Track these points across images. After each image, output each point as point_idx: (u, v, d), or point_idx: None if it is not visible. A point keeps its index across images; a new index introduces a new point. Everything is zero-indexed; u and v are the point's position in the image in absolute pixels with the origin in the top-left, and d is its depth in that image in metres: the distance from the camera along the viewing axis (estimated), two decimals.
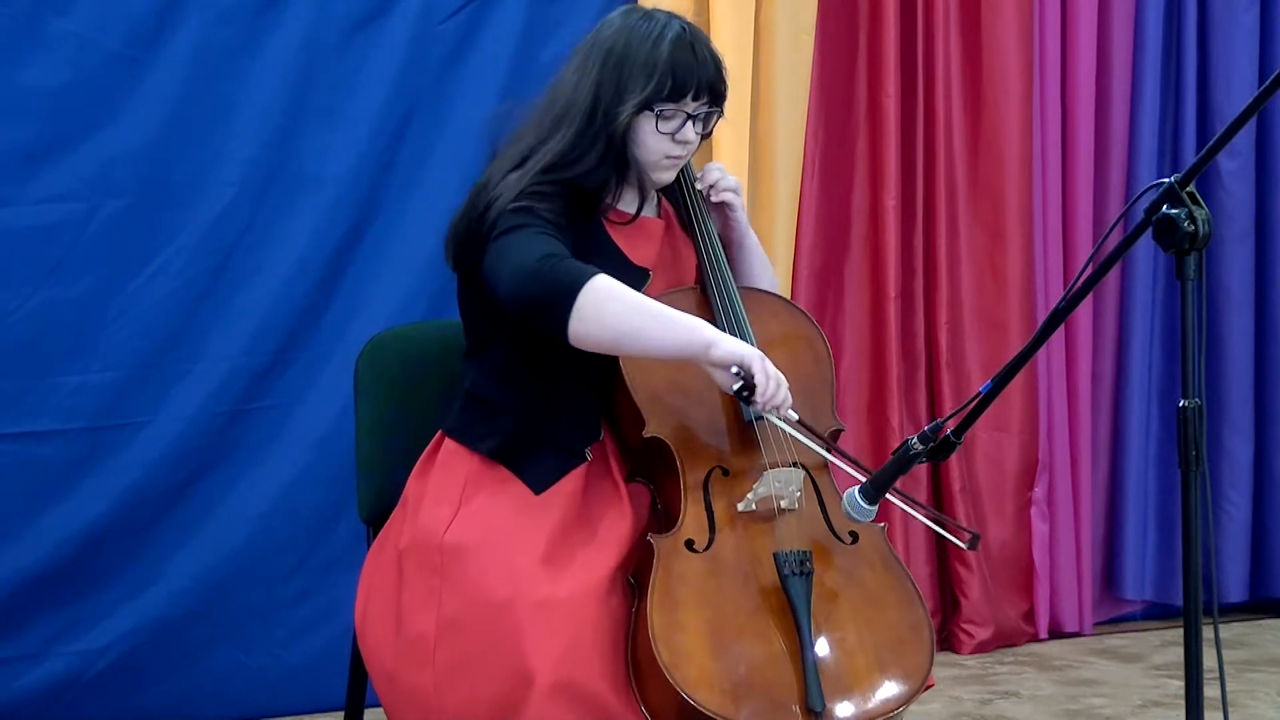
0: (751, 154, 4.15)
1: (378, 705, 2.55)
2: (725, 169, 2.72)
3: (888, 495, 2.34)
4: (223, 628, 3.77)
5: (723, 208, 2.70)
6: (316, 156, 3.80)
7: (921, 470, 4.37)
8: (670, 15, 2.58)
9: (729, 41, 4.06)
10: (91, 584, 3.68)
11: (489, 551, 2.41)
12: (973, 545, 2.53)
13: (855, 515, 2.35)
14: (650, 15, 2.57)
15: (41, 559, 3.64)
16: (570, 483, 2.49)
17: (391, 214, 3.83)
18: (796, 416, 2.40)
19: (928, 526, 2.53)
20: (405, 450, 2.64)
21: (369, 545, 2.69)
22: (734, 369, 2.34)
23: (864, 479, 2.34)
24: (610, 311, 2.32)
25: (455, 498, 2.49)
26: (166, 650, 3.72)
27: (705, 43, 2.55)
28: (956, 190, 4.41)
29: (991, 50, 4.38)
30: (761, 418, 2.48)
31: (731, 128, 4.07)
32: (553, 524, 2.44)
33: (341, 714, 2.79)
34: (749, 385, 2.34)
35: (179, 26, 3.68)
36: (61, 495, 3.65)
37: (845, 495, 2.34)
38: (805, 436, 2.44)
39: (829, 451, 2.49)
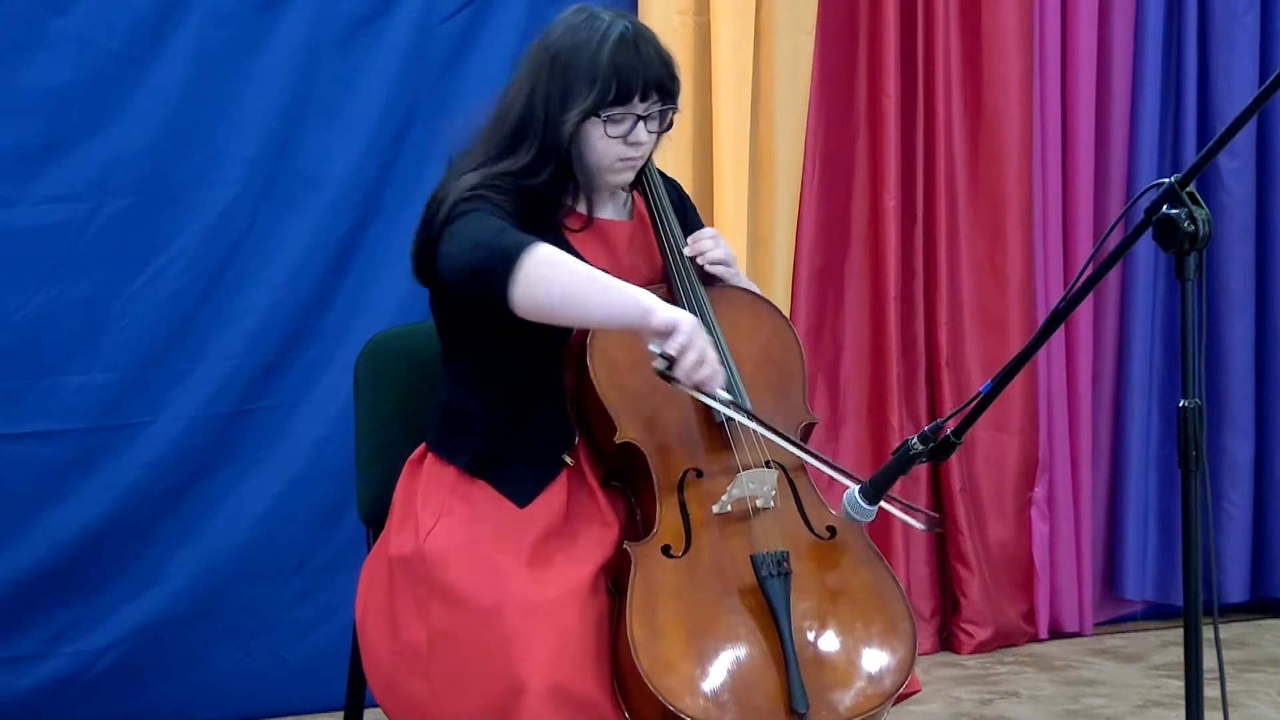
0: (751, 154, 4.15)
1: (377, 705, 2.55)
2: (719, 237, 2.64)
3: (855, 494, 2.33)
4: (223, 628, 3.78)
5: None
6: (317, 156, 3.81)
7: (922, 470, 4.37)
8: (616, 15, 2.51)
9: (729, 41, 4.06)
10: (91, 584, 3.68)
11: (472, 559, 2.40)
12: (932, 527, 2.44)
13: (855, 516, 2.34)
14: (595, 17, 2.50)
15: (41, 559, 3.64)
16: (551, 489, 2.48)
17: (391, 214, 3.83)
18: (728, 396, 2.35)
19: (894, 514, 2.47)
20: (405, 450, 2.64)
21: (369, 545, 2.69)
22: (657, 349, 2.27)
23: (831, 472, 2.32)
24: (552, 277, 2.30)
25: (438, 508, 2.48)
26: (166, 650, 3.73)
27: (651, 41, 2.49)
28: (956, 190, 4.41)
29: (991, 50, 4.37)
30: (726, 421, 2.46)
31: (732, 128, 4.07)
32: (536, 530, 2.43)
33: (341, 714, 2.79)
34: (671, 360, 2.28)
35: (180, 26, 3.69)
36: (62, 495, 3.65)
37: (845, 496, 2.34)
38: (745, 418, 2.38)
39: (786, 442, 2.44)
